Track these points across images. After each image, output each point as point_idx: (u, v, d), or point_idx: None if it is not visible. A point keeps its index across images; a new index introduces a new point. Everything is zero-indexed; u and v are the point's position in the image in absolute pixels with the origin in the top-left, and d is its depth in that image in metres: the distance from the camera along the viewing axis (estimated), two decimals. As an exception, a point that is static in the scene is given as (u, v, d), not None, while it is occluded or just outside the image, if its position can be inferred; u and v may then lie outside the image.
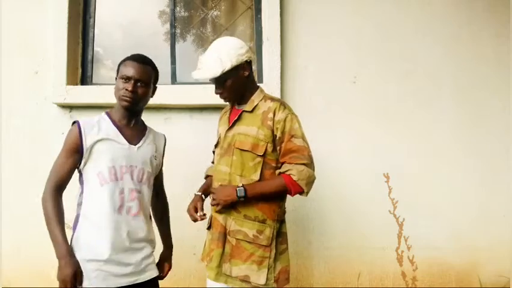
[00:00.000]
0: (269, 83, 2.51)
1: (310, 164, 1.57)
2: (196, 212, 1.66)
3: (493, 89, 2.64)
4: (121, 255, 1.46)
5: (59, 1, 2.53)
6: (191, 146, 2.48)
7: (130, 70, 1.51)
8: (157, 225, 1.79)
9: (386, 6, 2.65)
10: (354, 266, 2.54)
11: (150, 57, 1.61)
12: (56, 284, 1.39)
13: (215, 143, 1.80)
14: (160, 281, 1.64)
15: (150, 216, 1.66)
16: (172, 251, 1.79)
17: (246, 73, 1.59)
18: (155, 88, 1.64)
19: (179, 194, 2.52)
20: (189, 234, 2.27)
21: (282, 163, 1.59)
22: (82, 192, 1.52)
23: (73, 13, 2.60)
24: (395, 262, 2.55)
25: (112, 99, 1.60)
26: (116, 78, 1.56)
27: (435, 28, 2.65)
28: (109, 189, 1.47)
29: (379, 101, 2.60)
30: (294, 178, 1.51)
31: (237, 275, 1.55)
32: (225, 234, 1.60)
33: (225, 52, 1.54)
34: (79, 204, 1.51)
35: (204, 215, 1.66)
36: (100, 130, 1.51)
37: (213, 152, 1.85)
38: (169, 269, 1.75)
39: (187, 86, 2.54)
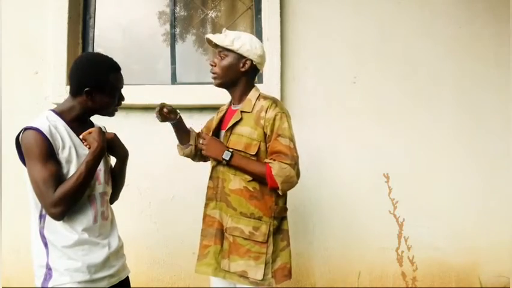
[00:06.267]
0: (269, 83, 2.51)
1: (293, 165, 1.55)
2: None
3: (493, 89, 2.63)
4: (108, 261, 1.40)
5: (59, 1, 2.53)
6: (191, 146, 2.47)
7: (122, 81, 1.47)
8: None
9: (386, 6, 2.65)
10: (354, 266, 2.53)
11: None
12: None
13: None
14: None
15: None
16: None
17: (243, 68, 1.62)
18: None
19: (180, 194, 2.53)
20: (188, 234, 2.26)
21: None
22: (42, 214, 1.31)
23: (73, 13, 2.60)
24: (395, 262, 2.55)
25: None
26: (100, 88, 1.36)
27: (435, 28, 2.64)
28: (84, 206, 1.35)
29: (379, 101, 2.60)
30: (273, 172, 1.52)
31: (235, 270, 1.58)
32: (222, 231, 1.63)
33: (244, 39, 1.61)
34: (41, 230, 1.31)
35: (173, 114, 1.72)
36: (60, 136, 1.32)
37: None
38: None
39: (187, 86, 2.54)
